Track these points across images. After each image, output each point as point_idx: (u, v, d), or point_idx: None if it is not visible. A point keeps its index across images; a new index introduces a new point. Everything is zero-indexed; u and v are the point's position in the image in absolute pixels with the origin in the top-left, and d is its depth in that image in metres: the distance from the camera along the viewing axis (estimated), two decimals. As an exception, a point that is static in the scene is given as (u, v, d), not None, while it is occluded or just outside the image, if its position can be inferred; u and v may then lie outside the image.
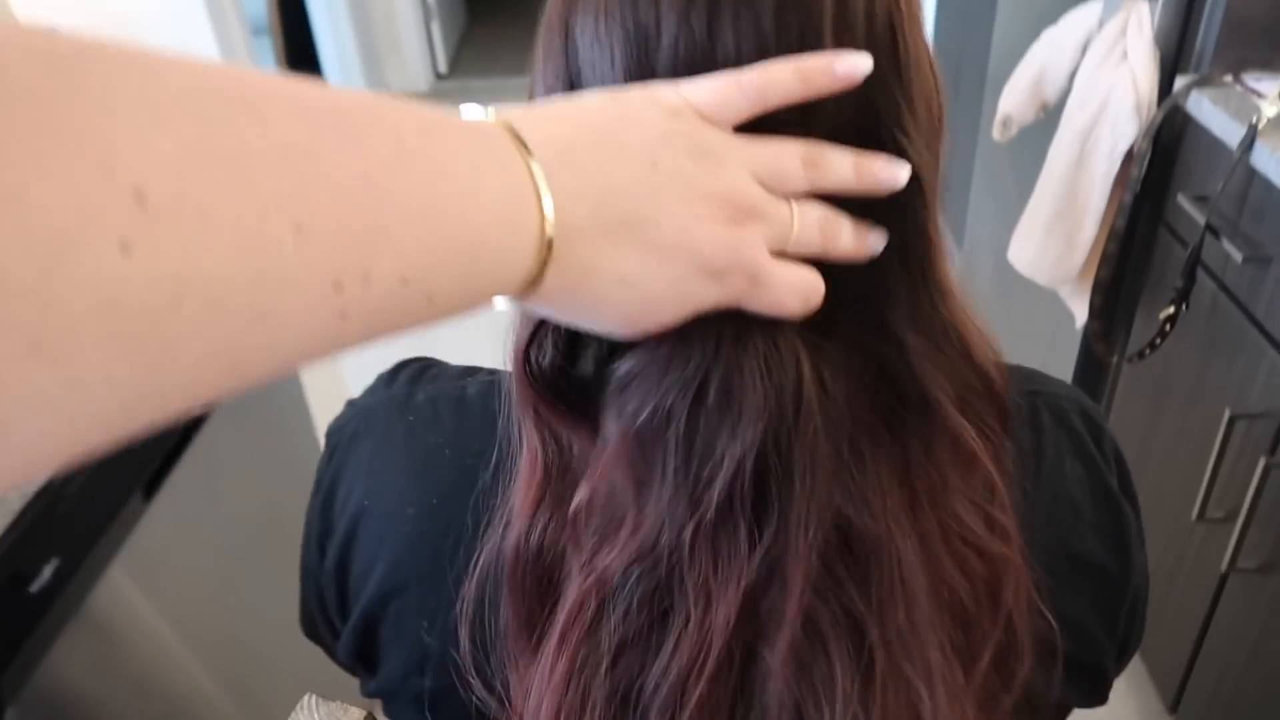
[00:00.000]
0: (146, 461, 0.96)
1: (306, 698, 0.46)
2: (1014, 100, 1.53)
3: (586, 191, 0.32)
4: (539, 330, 0.42)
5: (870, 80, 0.38)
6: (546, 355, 0.42)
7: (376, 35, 4.26)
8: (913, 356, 0.40)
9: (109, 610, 0.90)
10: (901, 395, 0.40)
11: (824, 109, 0.38)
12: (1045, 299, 1.66)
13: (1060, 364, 1.68)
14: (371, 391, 0.57)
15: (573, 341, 0.42)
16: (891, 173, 0.39)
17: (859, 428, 0.39)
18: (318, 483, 0.57)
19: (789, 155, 0.37)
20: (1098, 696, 0.52)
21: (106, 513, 0.90)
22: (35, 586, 0.79)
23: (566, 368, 0.42)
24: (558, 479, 0.43)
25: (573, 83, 0.41)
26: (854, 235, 0.39)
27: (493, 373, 0.52)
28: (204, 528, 1.09)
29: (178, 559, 1.03)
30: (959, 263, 2.41)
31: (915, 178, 0.39)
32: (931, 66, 0.43)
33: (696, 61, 0.38)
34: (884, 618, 0.39)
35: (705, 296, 0.36)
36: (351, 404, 0.57)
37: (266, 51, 4.07)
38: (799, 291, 0.38)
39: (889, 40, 0.39)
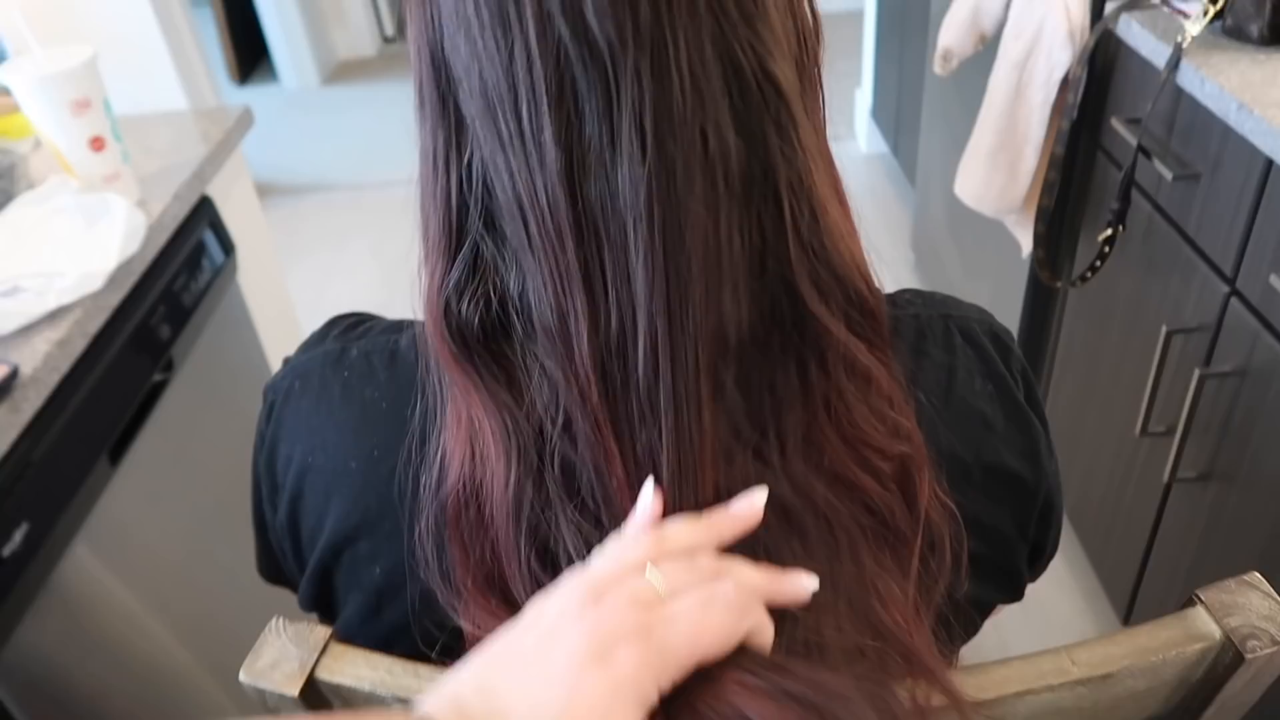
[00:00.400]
0: (111, 427, 0.98)
1: (274, 620, 0.48)
2: (953, 33, 1.56)
3: None
4: (446, 280, 0.44)
5: (717, 8, 0.39)
6: (459, 306, 0.44)
7: (320, 1, 4.18)
8: (794, 275, 0.42)
9: (79, 577, 0.92)
10: (794, 321, 0.42)
11: (679, 55, 0.39)
12: (995, 231, 1.69)
13: (1010, 294, 1.72)
14: (305, 348, 0.59)
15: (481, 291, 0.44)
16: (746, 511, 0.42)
17: (756, 356, 0.42)
18: (259, 439, 0.59)
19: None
20: (1014, 595, 0.57)
21: (74, 478, 0.91)
22: (6, 551, 0.81)
23: (478, 317, 0.44)
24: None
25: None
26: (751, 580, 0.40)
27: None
28: (171, 491, 1.10)
29: (146, 524, 1.05)
30: (915, 201, 2.45)
31: (783, 96, 0.41)
32: None
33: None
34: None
35: (618, 675, 0.36)
36: (287, 361, 0.59)
37: (208, 22, 3.99)
38: (709, 611, 0.38)
39: None
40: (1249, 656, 0.42)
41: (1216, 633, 0.43)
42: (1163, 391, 1.26)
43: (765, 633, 0.40)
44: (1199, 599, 0.44)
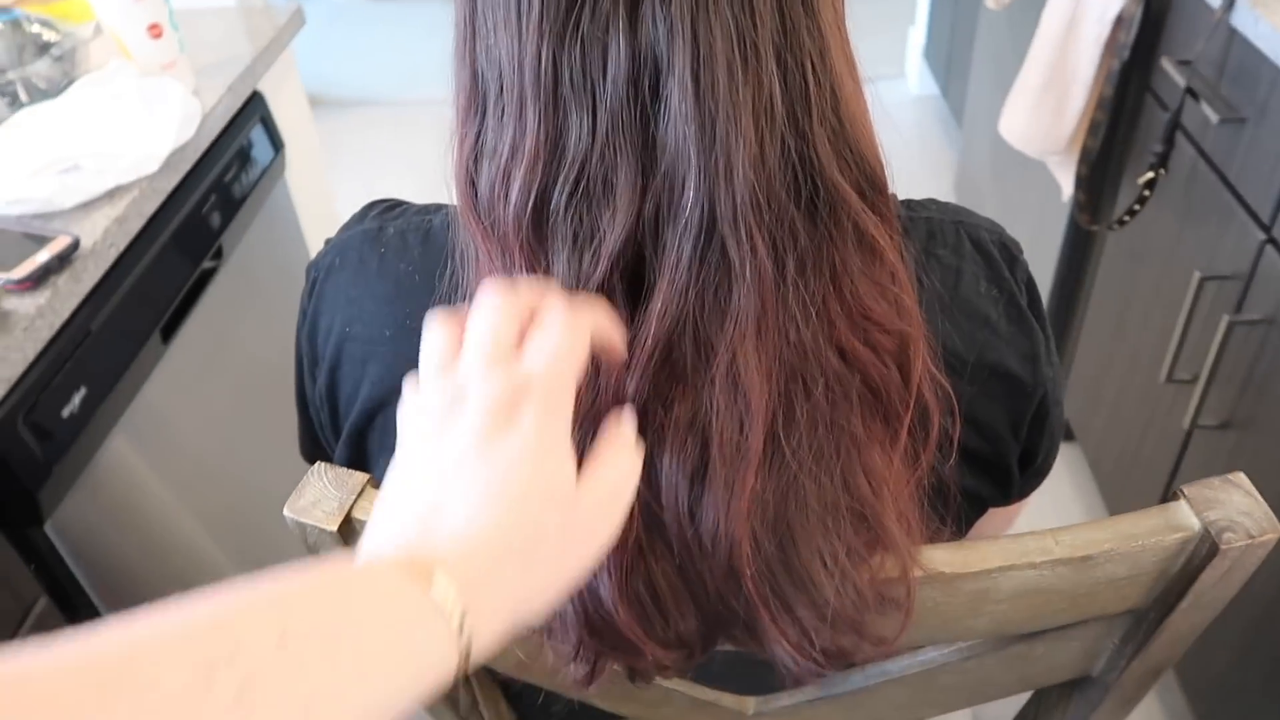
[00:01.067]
0: (164, 306, 1.02)
1: (316, 464, 0.52)
2: (1010, -34, 1.53)
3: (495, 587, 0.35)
4: (477, 156, 0.46)
5: None
6: (483, 180, 0.46)
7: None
8: (815, 144, 0.44)
9: (127, 451, 0.97)
10: (811, 190, 0.44)
11: None
12: (1037, 174, 1.68)
13: (1049, 237, 1.71)
14: (345, 228, 0.62)
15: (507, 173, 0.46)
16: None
17: (771, 215, 0.43)
18: (301, 314, 0.63)
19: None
20: (1004, 494, 0.60)
21: (129, 350, 0.96)
22: (66, 412, 0.86)
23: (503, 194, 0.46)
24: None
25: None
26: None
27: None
28: (213, 377, 1.15)
29: (186, 413, 1.10)
30: (961, 146, 2.42)
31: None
32: None
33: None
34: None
35: (530, 431, 0.37)
36: (328, 241, 0.63)
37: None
38: (559, 342, 0.40)
39: None
40: (1224, 548, 0.45)
41: (1196, 524, 0.46)
42: (1191, 339, 1.26)
43: (610, 334, 0.43)
44: (1182, 493, 0.47)
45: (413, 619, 0.33)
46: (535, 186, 0.44)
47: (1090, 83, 1.39)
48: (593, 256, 0.44)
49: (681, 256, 0.43)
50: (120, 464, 0.96)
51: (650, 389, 0.44)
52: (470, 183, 0.46)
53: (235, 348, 1.20)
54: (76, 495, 0.88)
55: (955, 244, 0.56)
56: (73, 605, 0.90)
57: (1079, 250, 1.66)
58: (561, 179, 0.43)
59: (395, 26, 3.85)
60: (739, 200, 0.42)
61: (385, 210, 0.61)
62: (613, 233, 0.43)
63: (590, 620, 0.47)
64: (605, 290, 0.44)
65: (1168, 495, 1.39)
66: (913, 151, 2.82)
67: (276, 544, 1.23)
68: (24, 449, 0.81)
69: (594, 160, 0.43)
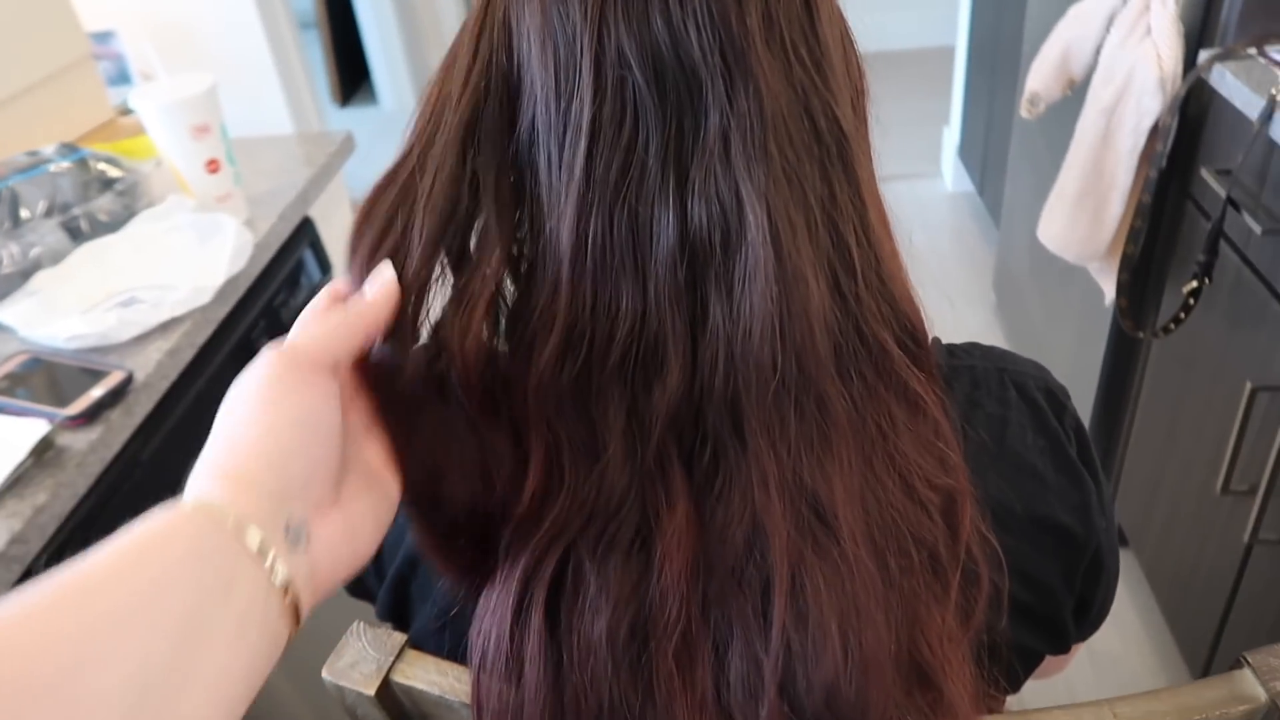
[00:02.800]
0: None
1: (355, 624, 0.52)
2: (1041, 77, 1.55)
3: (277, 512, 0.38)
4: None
5: (790, 52, 0.42)
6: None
7: (420, 24, 4.34)
8: (862, 303, 0.44)
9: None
10: (857, 343, 0.44)
11: (759, 89, 0.41)
12: (1079, 277, 1.67)
13: (1093, 341, 1.69)
14: None
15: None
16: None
17: (814, 380, 0.43)
18: None
19: None
20: (1059, 648, 0.58)
21: (179, 479, 0.97)
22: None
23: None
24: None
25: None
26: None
27: None
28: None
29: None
30: (998, 241, 2.42)
31: (846, 138, 0.44)
32: (843, 26, 0.47)
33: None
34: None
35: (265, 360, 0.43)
36: None
37: (313, 44, 4.17)
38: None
39: (804, 11, 0.43)
40: (1294, 722, 0.43)
41: (1262, 695, 0.44)
42: (1245, 449, 1.23)
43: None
44: (1246, 661, 0.45)
45: (200, 548, 0.35)
46: (569, 353, 0.44)
47: (1128, 190, 1.39)
48: (640, 423, 0.44)
49: (769, 418, 0.43)
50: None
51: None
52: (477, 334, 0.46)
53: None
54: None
55: (1000, 393, 0.55)
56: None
57: (1124, 355, 1.64)
58: (603, 347, 0.44)
59: (441, 135, 3.98)
60: (825, 345, 0.43)
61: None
62: (664, 399, 0.43)
63: None
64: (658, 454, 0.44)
65: (1229, 611, 1.34)
66: (950, 249, 2.83)
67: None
68: (72, 584, 0.82)
69: (643, 327, 0.43)
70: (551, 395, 0.45)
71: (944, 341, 0.57)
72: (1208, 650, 1.41)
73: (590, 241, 0.43)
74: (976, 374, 0.56)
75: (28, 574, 0.77)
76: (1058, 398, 0.57)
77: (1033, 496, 0.54)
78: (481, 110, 0.45)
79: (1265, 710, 0.44)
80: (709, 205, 0.42)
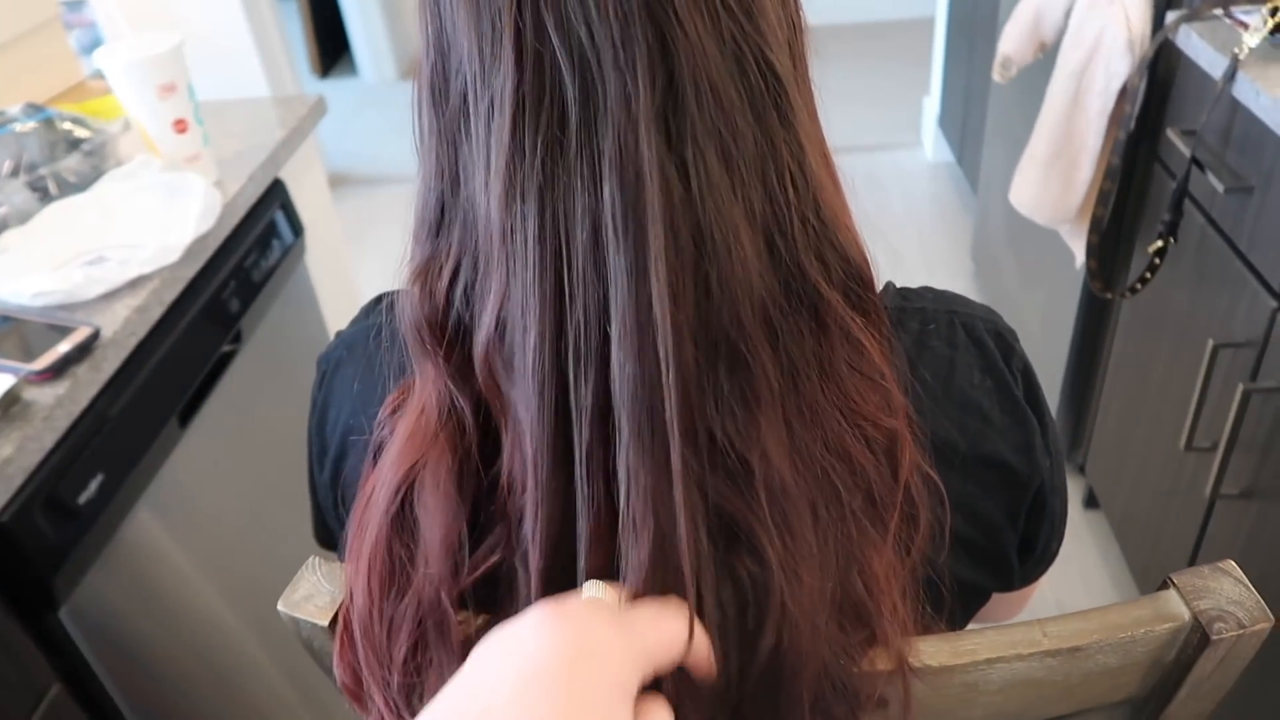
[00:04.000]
0: (182, 391, 1.04)
1: (310, 558, 0.53)
2: (1013, 40, 1.56)
3: None
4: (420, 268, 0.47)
5: (718, 3, 0.41)
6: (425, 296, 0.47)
7: (401, -4, 4.30)
8: (799, 251, 0.44)
9: (144, 534, 0.99)
10: (798, 295, 0.45)
11: (685, 48, 0.41)
12: (1053, 242, 1.69)
13: (1065, 304, 1.71)
14: (353, 322, 0.64)
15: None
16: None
17: (767, 323, 0.44)
18: (312, 404, 0.65)
19: None
20: (1004, 584, 0.59)
21: (146, 435, 0.98)
22: (82, 499, 0.88)
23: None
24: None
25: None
26: None
27: None
28: (233, 457, 1.17)
29: (207, 489, 1.11)
30: (976, 210, 2.43)
31: (782, 83, 0.44)
32: None
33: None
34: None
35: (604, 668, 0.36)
36: (338, 334, 0.65)
37: (293, 16, 4.13)
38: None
39: None
40: (1215, 638, 0.44)
41: (1185, 614, 0.45)
42: (1209, 406, 1.25)
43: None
44: (1171, 582, 0.46)
45: None
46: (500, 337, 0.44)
47: (1097, 153, 1.40)
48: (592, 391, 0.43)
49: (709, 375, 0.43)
50: (140, 543, 0.97)
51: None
52: (435, 302, 0.47)
53: (255, 427, 1.22)
54: (94, 576, 0.90)
55: (949, 334, 0.56)
56: (86, 690, 0.90)
57: (1095, 317, 1.66)
58: (535, 333, 0.43)
59: (421, 106, 3.96)
60: (750, 309, 0.43)
61: (390, 305, 0.63)
62: (588, 392, 0.42)
63: None
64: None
65: (1193, 565, 1.37)
66: (930, 219, 2.84)
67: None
68: (40, 537, 0.82)
69: (568, 314, 0.42)
70: (490, 371, 0.45)
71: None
72: (1172, 606, 1.43)
73: (516, 221, 0.42)
74: (926, 315, 0.57)
75: (-6, 525, 0.78)
76: (1006, 340, 0.58)
77: (978, 435, 0.55)
78: (432, 75, 0.46)
79: (1188, 628, 0.45)
80: (623, 178, 0.41)
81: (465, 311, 0.46)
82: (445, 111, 0.46)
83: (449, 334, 0.47)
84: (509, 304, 0.43)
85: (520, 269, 0.42)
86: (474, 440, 0.47)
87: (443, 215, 0.47)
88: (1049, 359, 1.81)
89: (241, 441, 1.19)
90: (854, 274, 0.48)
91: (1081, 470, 1.83)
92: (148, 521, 0.98)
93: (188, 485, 1.06)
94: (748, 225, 0.43)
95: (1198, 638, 0.45)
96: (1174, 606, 0.46)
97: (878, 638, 0.45)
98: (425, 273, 0.48)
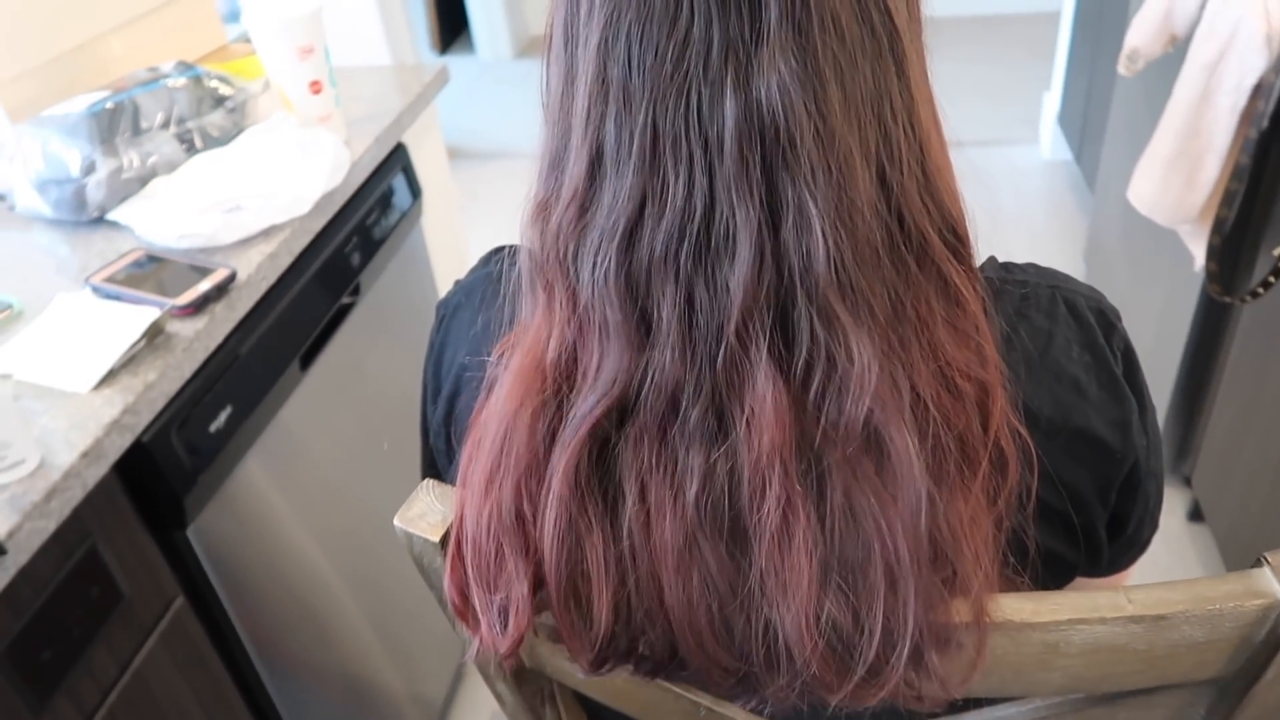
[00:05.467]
0: (305, 336, 1.11)
1: (425, 481, 0.57)
2: (1142, 32, 1.51)
3: None
4: (549, 205, 0.49)
5: None
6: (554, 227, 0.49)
7: (521, -23, 4.38)
8: (906, 194, 0.46)
9: (257, 478, 1.05)
10: (900, 234, 0.46)
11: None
12: (1170, 243, 1.63)
13: (1181, 308, 1.66)
14: (471, 271, 0.68)
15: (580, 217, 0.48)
16: None
17: (873, 262, 0.46)
18: (429, 347, 0.69)
19: None
20: (1092, 560, 0.59)
21: (271, 375, 1.04)
22: (213, 427, 0.94)
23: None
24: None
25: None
26: None
27: None
28: (344, 407, 1.24)
29: (317, 440, 1.18)
30: (1093, 210, 2.36)
31: (898, 34, 0.45)
32: None
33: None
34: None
35: None
36: (456, 282, 0.69)
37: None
38: None
39: None
40: (1307, 617, 0.44)
41: (1278, 591, 0.45)
42: (1329, 418, 1.20)
43: None
44: (1265, 560, 0.46)
45: None
46: (646, 243, 0.46)
47: (1225, 152, 1.35)
48: (720, 310, 0.46)
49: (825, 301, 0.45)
50: (253, 482, 1.04)
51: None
52: (557, 237, 0.49)
53: (366, 379, 1.28)
54: (214, 506, 0.96)
55: (1049, 308, 0.57)
56: (206, 606, 0.97)
57: (1212, 323, 1.60)
58: (679, 235, 0.45)
59: (534, 84, 4.04)
60: (858, 245, 0.44)
61: (506, 255, 0.66)
62: (739, 286, 0.45)
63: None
64: (739, 342, 0.46)
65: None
66: (1042, 218, 2.77)
67: (387, 564, 1.30)
68: (176, 459, 0.89)
69: (716, 215, 0.45)
70: (604, 282, 0.48)
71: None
72: None
73: (655, 130, 0.45)
74: (1028, 288, 0.58)
75: (137, 444, 0.85)
76: (1108, 318, 0.58)
77: (1071, 407, 0.55)
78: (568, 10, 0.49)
79: (1280, 607, 0.45)
80: (767, 94, 0.44)
81: (575, 239, 0.48)
82: (572, 42, 0.48)
83: (560, 262, 0.49)
84: (639, 210, 0.46)
85: (658, 178, 0.45)
86: (563, 368, 0.50)
87: (562, 150, 0.49)
88: (1162, 365, 1.75)
89: (354, 391, 1.25)
90: (952, 227, 0.49)
91: (1188, 482, 1.77)
92: (259, 468, 1.05)
93: (301, 431, 1.13)
94: (861, 158, 0.45)
95: (1289, 617, 0.45)
96: (1266, 584, 0.46)
97: (959, 582, 0.47)
98: (545, 206, 0.50)
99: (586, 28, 0.47)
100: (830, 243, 0.44)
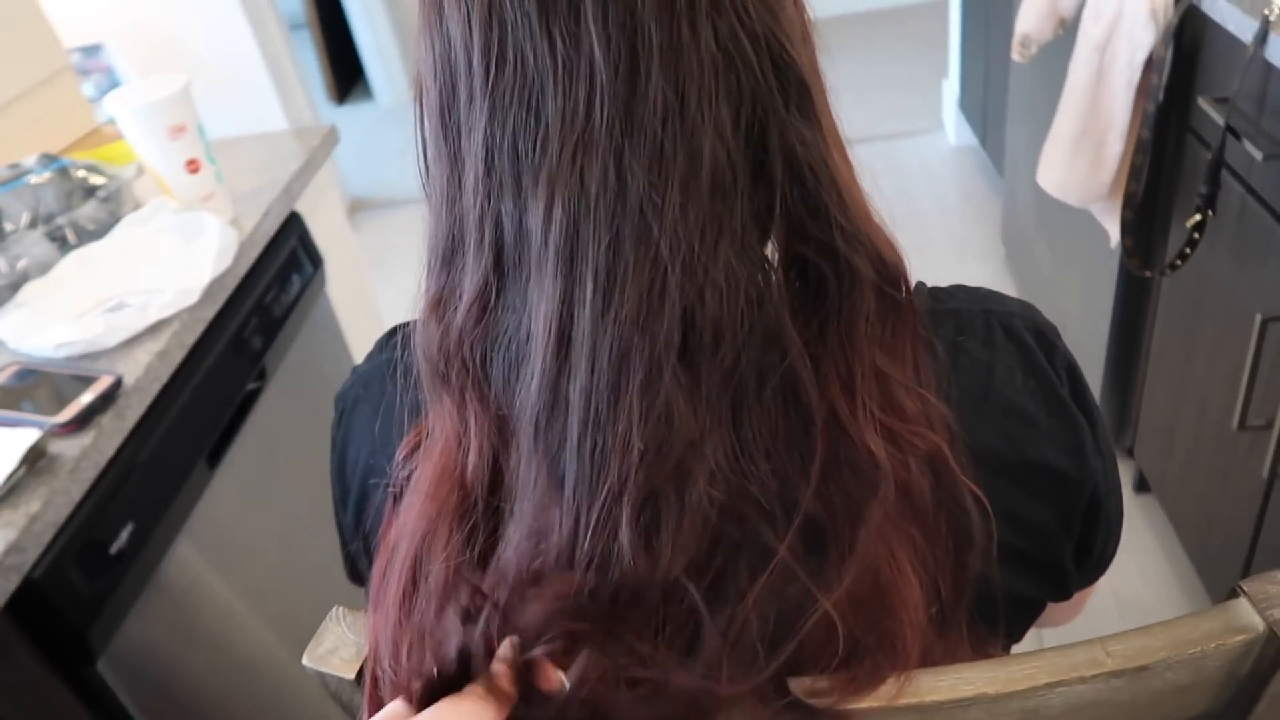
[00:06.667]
0: (209, 433, 1.04)
1: (335, 609, 0.51)
2: (1031, 18, 1.52)
3: None
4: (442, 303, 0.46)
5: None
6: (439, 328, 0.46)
7: (411, 18, 4.32)
8: (839, 250, 0.42)
9: (182, 574, 0.98)
10: (818, 291, 0.43)
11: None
12: (1085, 221, 1.64)
13: (1102, 285, 1.66)
14: (368, 358, 0.63)
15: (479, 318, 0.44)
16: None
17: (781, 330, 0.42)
18: (332, 445, 0.64)
19: None
20: (1061, 592, 0.56)
21: (175, 480, 0.97)
22: (114, 549, 0.87)
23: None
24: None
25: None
26: None
27: None
28: (266, 492, 1.17)
29: (243, 523, 1.11)
30: (1004, 195, 2.39)
31: (805, 81, 0.42)
32: None
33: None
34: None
35: None
36: (354, 370, 0.63)
37: (306, 44, 4.16)
38: None
39: None
40: (1293, 649, 0.41)
41: (1259, 624, 0.42)
42: (1260, 383, 1.20)
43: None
44: (1242, 590, 0.43)
45: None
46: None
47: (1126, 127, 1.36)
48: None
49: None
50: (179, 582, 0.97)
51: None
52: (459, 340, 0.45)
53: (284, 465, 1.21)
54: (133, 622, 0.89)
55: (986, 336, 0.53)
56: (130, 741, 0.90)
57: (1134, 297, 1.61)
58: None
59: (438, 126, 3.98)
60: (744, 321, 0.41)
61: (406, 338, 0.61)
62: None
63: None
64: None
65: (1254, 550, 1.32)
66: (957, 204, 2.79)
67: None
68: (72, 591, 0.82)
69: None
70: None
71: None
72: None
73: (547, 227, 0.41)
74: (961, 317, 0.54)
75: (26, 582, 0.77)
76: (1047, 337, 0.55)
77: (1023, 440, 0.52)
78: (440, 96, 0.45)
79: (1264, 639, 0.42)
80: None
81: (481, 340, 0.45)
82: (452, 131, 0.44)
83: (465, 365, 0.45)
84: (531, 314, 0.42)
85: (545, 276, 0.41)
86: (485, 478, 0.46)
87: (455, 244, 0.45)
88: (1088, 341, 1.76)
89: (273, 477, 1.18)
90: (888, 275, 0.45)
91: (1130, 453, 1.77)
92: (185, 560, 0.98)
93: (222, 523, 1.06)
94: (752, 220, 0.41)
95: (1274, 649, 0.42)
96: (1246, 617, 0.43)
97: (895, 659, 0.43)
98: (440, 303, 0.46)
99: (468, 119, 0.42)
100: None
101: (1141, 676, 0.43)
